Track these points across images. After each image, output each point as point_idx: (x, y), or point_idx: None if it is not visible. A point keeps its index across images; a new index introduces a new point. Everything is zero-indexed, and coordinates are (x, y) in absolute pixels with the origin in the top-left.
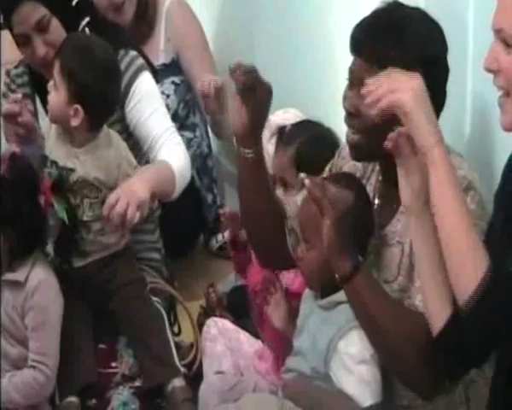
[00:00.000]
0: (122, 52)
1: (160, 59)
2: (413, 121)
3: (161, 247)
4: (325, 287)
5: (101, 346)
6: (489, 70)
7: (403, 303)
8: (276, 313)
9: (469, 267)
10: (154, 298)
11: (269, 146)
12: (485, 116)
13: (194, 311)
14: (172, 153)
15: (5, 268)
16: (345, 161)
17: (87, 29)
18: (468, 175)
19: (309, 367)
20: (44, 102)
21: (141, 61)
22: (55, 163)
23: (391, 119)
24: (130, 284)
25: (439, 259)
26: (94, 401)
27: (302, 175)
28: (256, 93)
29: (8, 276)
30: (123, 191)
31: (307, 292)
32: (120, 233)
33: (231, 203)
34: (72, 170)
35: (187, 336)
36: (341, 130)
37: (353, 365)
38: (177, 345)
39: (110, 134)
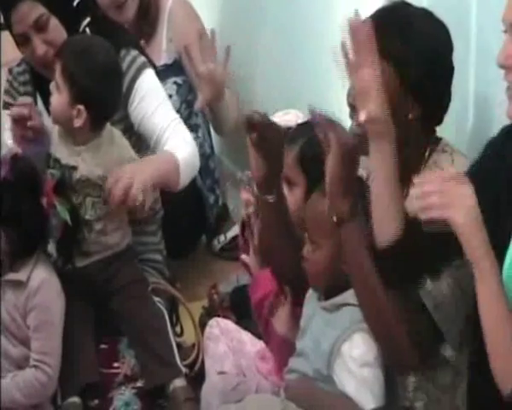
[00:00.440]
0: (124, 51)
1: (162, 59)
2: (464, 236)
3: (163, 248)
4: (329, 289)
5: (103, 346)
6: (502, 66)
7: None
8: (278, 320)
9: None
10: (156, 298)
11: None
12: (487, 114)
13: (196, 311)
14: (178, 144)
15: (7, 268)
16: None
17: (88, 29)
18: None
19: (311, 369)
20: (46, 100)
21: (142, 59)
22: (57, 161)
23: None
24: (132, 283)
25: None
26: (96, 401)
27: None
28: (268, 139)
29: (11, 276)
30: (128, 169)
31: (310, 293)
32: (122, 232)
33: (232, 204)
34: (74, 168)
35: (189, 337)
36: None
37: (356, 368)
38: (179, 346)
39: (113, 132)
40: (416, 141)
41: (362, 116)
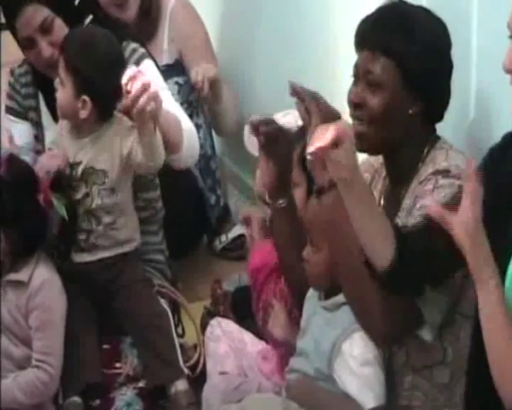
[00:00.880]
0: (124, 43)
1: (164, 60)
2: (468, 254)
3: (165, 248)
4: (329, 288)
5: (105, 346)
6: (509, 71)
7: None
8: (275, 325)
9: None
10: (162, 300)
11: None
12: (488, 112)
13: (197, 312)
14: (181, 118)
15: (8, 269)
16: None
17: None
18: (461, 165)
19: (312, 368)
20: (48, 101)
21: (142, 50)
22: None
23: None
24: (137, 282)
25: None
26: (98, 401)
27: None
28: (278, 143)
29: (12, 276)
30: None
31: (310, 293)
32: (132, 228)
33: (233, 204)
34: (79, 163)
35: (190, 338)
36: None
37: (357, 366)
38: (181, 346)
39: (117, 119)
40: (415, 138)
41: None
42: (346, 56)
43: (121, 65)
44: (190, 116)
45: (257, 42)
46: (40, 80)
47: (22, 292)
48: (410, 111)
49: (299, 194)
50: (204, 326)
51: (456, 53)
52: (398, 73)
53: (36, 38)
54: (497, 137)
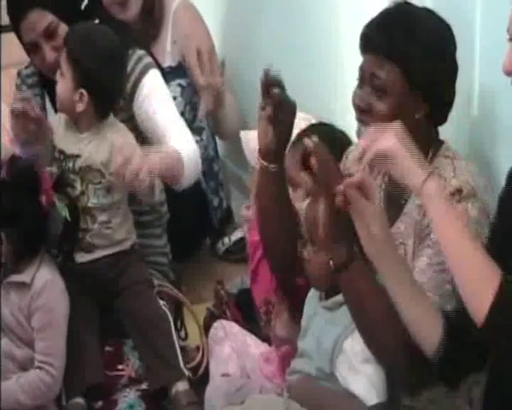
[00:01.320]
0: (130, 51)
1: (167, 62)
2: (400, 164)
3: (169, 251)
4: (330, 288)
5: (108, 348)
6: (509, 73)
7: None
8: (277, 323)
9: (483, 288)
10: (161, 302)
11: None
12: (491, 112)
13: (200, 314)
14: (181, 143)
15: (11, 270)
16: (351, 164)
17: None
18: (471, 181)
19: (314, 368)
20: (54, 102)
21: (148, 59)
22: (62, 152)
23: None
24: (138, 284)
25: (410, 278)
26: (100, 403)
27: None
28: (283, 110)
29: (14, 277)
30: (137, 152)
31: (311, 293)
32: (127, 229)
33: (236, 206)
34: (78, 156)
35: (193, 340)
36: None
37: (359, 364)
38: (184, 348)
39: (117, 124)
40: (420, 141)
41: None
42: (350, 58)
43: (121, 62)
44: (194, 118)
45: (259, 43)
46: (46, 81)
47: (25, 293)
48: (417, 115)
49: (299, 195)
50: (207, 328)
51: (459, 54)
52: (403, 78)
53: (40, 43)
54: (499, 137)
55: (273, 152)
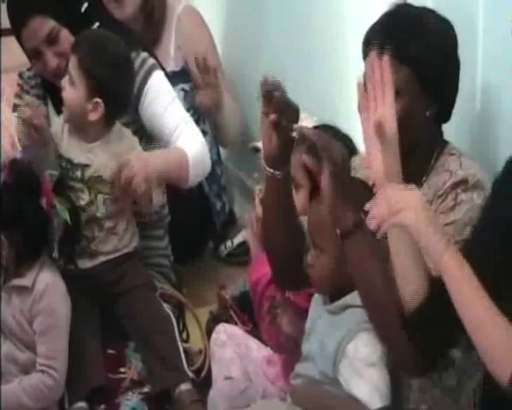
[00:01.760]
0: (134, 54)
1: (170, 66)
2: (420, 236)
3: (170, 253)
4: (334, 291)
5: (110, 351)
6: None
7: None
8: (284, 319)
9: (505, 356)
10: (164, 304)
11: None
12: (493, 111)
13: (203, 317)
14: (188, 142)
15: (12, 274)
16: (355, 171)
17: None
18: (477, 174)
19: (317, 372)
20: (56, 103)
21: (152, 60)
22: (69, 161)
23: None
24: (140, 286)
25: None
26: (103, 406)
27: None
28: (285, 116)
29: (16, 281)
30: (132, 158)
31: (315, 297)
32: (132, 233)
33: (238, 210)
34: (87, 166)
35: (196, 343)
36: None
37: (362, 368)
38: (186, 351)
39: (122, 130)
40: (427, 140)
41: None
42: (355, 59)
43: (131, 69)
44: (196, 122)
45: (262, 44)
46: (48, 83)
47: (26, 297)
48: (428, 113)
49: (301, 196)
50: (209, 331)
51: (461, 52)
52: (413, 78)
53: (42, 50)
54: (501, 134)
55: (278, 158)
